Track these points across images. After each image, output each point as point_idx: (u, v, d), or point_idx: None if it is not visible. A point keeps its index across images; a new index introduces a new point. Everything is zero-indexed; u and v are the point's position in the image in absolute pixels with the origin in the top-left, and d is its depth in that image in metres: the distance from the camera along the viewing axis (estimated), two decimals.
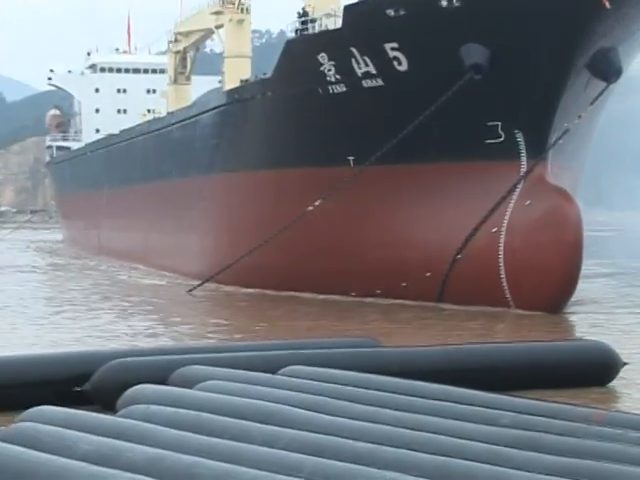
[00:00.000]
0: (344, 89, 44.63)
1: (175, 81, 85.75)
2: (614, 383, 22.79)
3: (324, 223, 45.00)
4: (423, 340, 30.22)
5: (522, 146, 41.67)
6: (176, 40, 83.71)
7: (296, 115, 47.11)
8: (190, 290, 48.72)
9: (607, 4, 38.03)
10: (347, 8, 44.01)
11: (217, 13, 68.41)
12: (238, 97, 52.67)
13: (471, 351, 23.33)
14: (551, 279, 39.15)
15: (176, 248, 61.60)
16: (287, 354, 21.15)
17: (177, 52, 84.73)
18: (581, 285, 42.67)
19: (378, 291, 44.20)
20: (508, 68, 39.88)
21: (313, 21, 46.90)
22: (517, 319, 38.71)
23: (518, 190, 41.57)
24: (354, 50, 43.29)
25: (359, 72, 43.68)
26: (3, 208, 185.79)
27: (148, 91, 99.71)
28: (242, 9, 65.14)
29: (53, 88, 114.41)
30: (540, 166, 41.31)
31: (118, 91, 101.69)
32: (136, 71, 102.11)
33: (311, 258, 46.23)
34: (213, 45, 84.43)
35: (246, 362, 20.11)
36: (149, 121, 78.18)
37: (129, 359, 20.49)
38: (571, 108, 41.26)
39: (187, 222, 59.68)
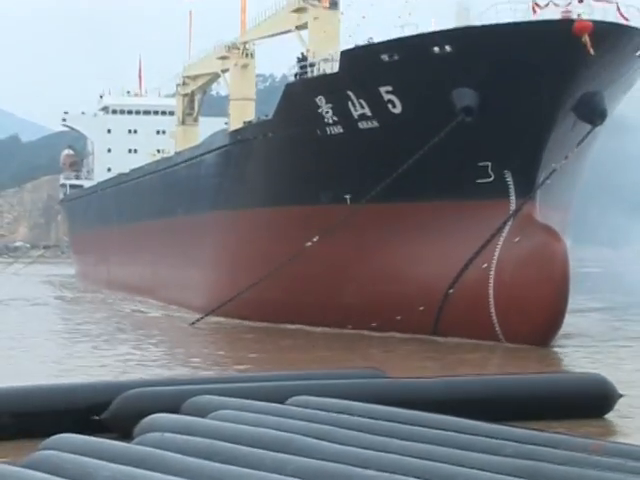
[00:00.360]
0: (341, 130, 46.39)
1: (183, 122, 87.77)
2: (611, 414, 23.54)
3: (322, 259, 46.56)
4: (424, 372, 31.30)
5: (511, 186, 43.31)
6: (184, 83, 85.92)
7: (295, 155, 48.85)
8: (193, 322, 50.29)
9: (592, 51, 39.69)
10: (344, 53, 45.80)
11: (223, 58, 70.65)
12: (240, 138, 54.53)
13: (473, 382, 23.89)
14: (538, 313, 40.56)
15: (182, 282, 63.28)
16: (295, 384, 21.77)
17: (185, 95, 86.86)
18: (573, 319, 43.97)
19: (374, 324, 45.59)
20: (497, 111, 41.54)
21: (312, 65, 48.59)
22: (511, 352, 39.84)
23: (507, 228, 43.14)
24: (350, 93, 45.06)
25: (355, 114, 45.42)
26: (18, 243, 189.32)
27: (158, 132, 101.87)
28: (247, 54, 67.30)
29: (67, 129, 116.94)
30: (528, 205, 42.92)
31: (129, 132, 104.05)
32: (146, 113, 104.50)
33: (309, 292, 47.73)
34: (219, 88, 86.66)
35: (255, 392, 20.74)
36: (157, 161, 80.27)
37: (144, 389, 21.31)
38: (558, 149, 42.90)
39: (192, 257, 61.40)
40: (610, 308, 59.34)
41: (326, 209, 46.79)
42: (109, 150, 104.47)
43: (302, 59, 50.38)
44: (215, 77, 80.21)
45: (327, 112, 46.35)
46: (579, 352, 39.51)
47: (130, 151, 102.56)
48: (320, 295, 47.32)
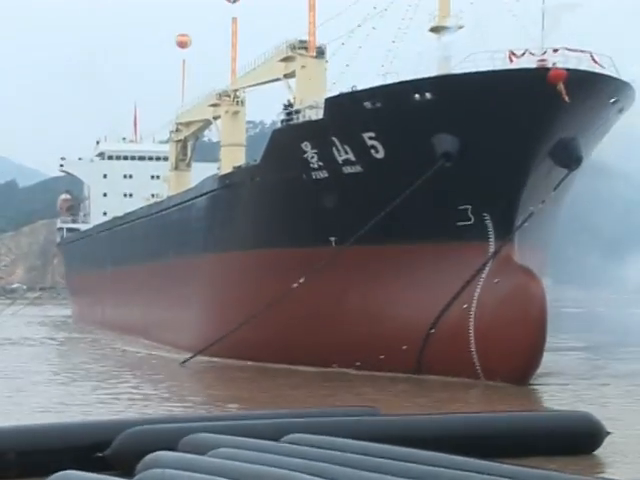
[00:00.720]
0: (326, 175, 47.67)
1: (176, 168, 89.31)
2: (599, 451, 24.28)
3: (308, 299, 47.55)
4: (416, 409, 32.12)
5: (490, 228, 44.53)
6: (177, 130, 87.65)
7: (282, 199, 50.12)
8: (183, 362, 51.28)
9: (567, 98, 41.06)
10: (328, 100, 47.16)
11: (214, 105, 72.40)
12: (229, 182, 55.80)
13: (466, 420, 24.53)
14: (517, 352, 41.63)
15: (173, 323, 64.37)
16: (291, 422, 22.40)
17: (178, 141, 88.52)
18: (556, 357, 44.58)
19: (358, 363, 46.60)
20: (476, 156, 42.84)
21: (297, 112, 49.96)
22: (499, 390, 40.64)
23: (487, 269, 44.30)
24: (335, 139, 46.39)
25: (340, 159, 46.71)
26: (15, 285, 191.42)
27: (152, 177, 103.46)
28: (237, 102, 69.07)
29: (63, 174, 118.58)
30: (507, 247, 44.13)
31: (124, 177, 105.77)
32: (141, 158, 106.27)
33: (295, 332, 48.73)
34: (211, 134, 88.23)
35: (252, 430, 21.38)
36: (149, 205, 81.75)
37: (145, 427, 22.04)
38: (535, 193, 44.16)
39: (183, 299, 62.52)
40: (591, 347, 60.32)
41: (312, 251, 47.89)
42: (105, 194, 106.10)
43: (288, 106, 51.79)
44: (207, 124, 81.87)
45: (312, 157, 47.59)
46: (565, 391, 40.34)
47: (125, 195, 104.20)
48: (306, 335, 48.29)
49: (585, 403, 34.81)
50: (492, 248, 44.45)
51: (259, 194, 52.14)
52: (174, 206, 67.93)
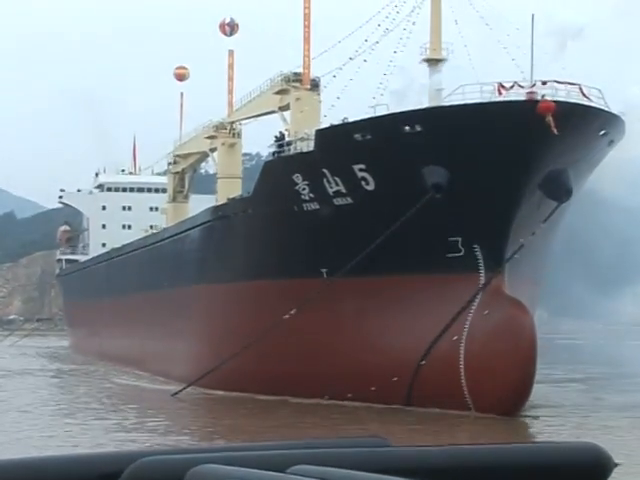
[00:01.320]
0: (317, 207, 47.77)
1: (174, 199, 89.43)
2: None
3: (299, 331, 47.55)
4: (423, 441, 31.77)
5: (481, 260, 44.59)
6: (175, 162, 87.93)
7: (274, 231, 50.21)
8: (175, 394, 51.19)
9: (555, 131, 41.21)
10: (318, 132, 47.38)
11: (211, 137, 72.71)
12: (222, 214, 55.95)
13: (475, 451, 24.36)
14: (506, 384, 41.57)
15: (167, 354, 64.32)
16: (298, 453, 22.38)
17: (176, 173, 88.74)
18: (556, 389, 44.08)
19: (349, 395, 46.38)
20: (466, 188, 42.96)
21: (289, 144, 50.17)
22: (501, 422, 40.46)
23: (477, 301, 44.32)
24: (325, 171, 46.53)
25: (330, 191, 46.84)
26: (12, 317, 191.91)
27: (151, 208, 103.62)
28: (234, 134, 69.33)
29: (61, 205, 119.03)
30: (497, 278, 44.17)
31: (123, 208, 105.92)
32: (140, 190, 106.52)
33: (287, 364, 48.68)
34: (208, 166, 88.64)
35: (259, 461, 21.68)
36: (146, 236, 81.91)
37: (155, 458, 22.36)
38: (526, 225, 44.23)
39: (177, 330, 62.52)
40: (590, 379, 60.17)
41: (303, 282, 47.89)
42: (104, 226, 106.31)
43: (280, 138, 51.98)
44: (204, 156, 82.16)
45: (304, 189, 47.72)
46: (569, 422, 40.31)
47: (124, 227, 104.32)
48: (297, 366, 48.26)
49: (590, 434, 34.79)
50: (482, 280, 44.47)
51: (251, 226, 52.26)
52: (169, 237, 68.15)
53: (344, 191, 46.49)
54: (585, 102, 43.36)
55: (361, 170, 45.42)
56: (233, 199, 57.64)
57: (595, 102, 43.59)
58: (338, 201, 46.94)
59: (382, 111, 44.95)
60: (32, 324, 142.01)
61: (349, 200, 46.56)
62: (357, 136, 44.89)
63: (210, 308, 56.60)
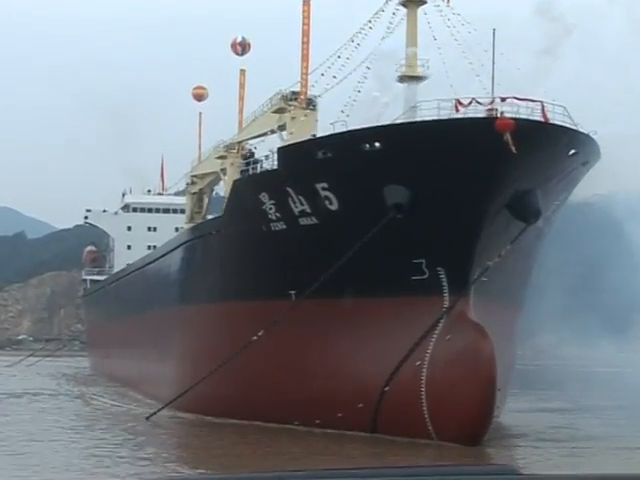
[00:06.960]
0: (284, 227, 46.59)
1: (192, 220, 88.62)
2: None
3: (267, 354, 46.45)
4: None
5: (445, 282, 43.00)
6: (192, 182, 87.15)
7: (244, 251, 49.20)
8: (148, 417, 50.28)
9: (513, 149, 39.59)
10: (280, 150, 46.29)
11: (221, 157, 71.70)
12: (199, 234, 55.14)
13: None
14: (465, 412, 40.08)
15: (156, 376, 63.59)
16: None
17: (194, 193, 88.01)
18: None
19: (317, 421, 45.12)
20: (428, 208, 41.51)
21: (256, 162, 49.15)
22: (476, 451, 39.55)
23: (440, 325, 42.79)
24: (290, 190, 45.35)
25: (296, 210, 45.64)
26: (21, 337, 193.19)
27: (176, 229, 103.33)
28: (243, 155, 68.06)
29: (72, 227, 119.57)
30: (462, 302, 42.56)
31: (149, 229, 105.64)
32: (165, 211, 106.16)
33: (256, 388, 47.64)
34: (218, 188, 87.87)
35: None
36: (143, 257, 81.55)
37: None
38: (493, 246, 42.51)
39: (162, 351, 61.82)
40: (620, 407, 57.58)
41: (271, 304, 46.74)
42: (129, 247, 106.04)
43: (249, 156, 50.97)
44: (219, 176, 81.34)
45: (270, 208, 46.64)
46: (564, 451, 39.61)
47: (149, 247, 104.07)
48: (265, 390, 47.21)
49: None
50: (446, 303, 42.93)
51: (224, 245, 51.33)
52: (160, 257, 67.59)
53: (309, 210, 45.28)
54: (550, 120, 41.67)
55: (324, 189, 44.18)
56: (212, 218, 56.82)
57: (560, 120, 41.83)
58: (303, 221, 45.73)
59: (341, 128, 43.70)
60: (41, 344, 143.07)
61: (314, 220, 45.32)
62: (319, 154, 43.68)
63: (190, 329, 55.77)
